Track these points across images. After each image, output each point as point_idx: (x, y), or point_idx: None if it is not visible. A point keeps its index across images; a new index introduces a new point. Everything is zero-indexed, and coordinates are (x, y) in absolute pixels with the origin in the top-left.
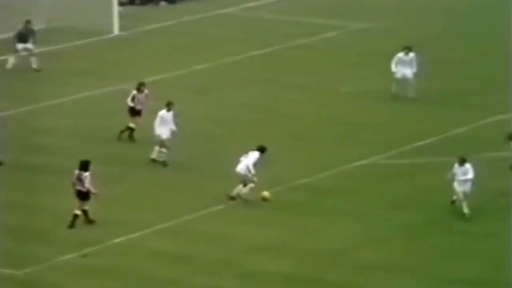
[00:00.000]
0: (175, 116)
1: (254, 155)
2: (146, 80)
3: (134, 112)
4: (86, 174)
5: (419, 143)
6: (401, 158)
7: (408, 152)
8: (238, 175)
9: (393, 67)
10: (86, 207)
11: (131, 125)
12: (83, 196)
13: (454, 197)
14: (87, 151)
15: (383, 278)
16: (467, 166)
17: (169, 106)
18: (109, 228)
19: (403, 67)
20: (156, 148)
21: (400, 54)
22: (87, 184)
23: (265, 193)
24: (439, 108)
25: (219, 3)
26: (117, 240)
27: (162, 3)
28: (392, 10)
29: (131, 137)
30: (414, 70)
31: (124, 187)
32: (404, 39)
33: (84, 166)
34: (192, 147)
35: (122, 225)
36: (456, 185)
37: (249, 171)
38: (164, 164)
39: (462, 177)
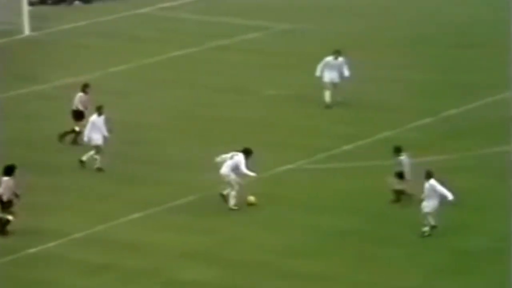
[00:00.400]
0: (106, 121)
1: (239, 158)
2: (60, 83)
3: (78, 115)
4: (5, 178)
5: (346, 147)
6: (328, 163)
7: (335, 156)
8: (222, 177)
9: (318, 72)
10: (8, 216)
11: (76, 128)
12: (3, 203)
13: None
14: (6, 155)
15: (311, 286)
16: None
17: (99, 110)
18: (24, 236)
19: (331, 71)
20: (90, 152)
21: (329, 58)
22: (1, 189)
23: (251, 198)
24: (367, 111)
25: (135, 3)
26: (32, 250)
27: (76, 2)
28: (317, 11)
29: (74, 142)
30: (346, 74)
31: (42, 194)
32: (329, 40)
33: (7, 171)
34: (111, 153)
35: (38, 234)
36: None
37: (246, 175)
38: (99, 169)
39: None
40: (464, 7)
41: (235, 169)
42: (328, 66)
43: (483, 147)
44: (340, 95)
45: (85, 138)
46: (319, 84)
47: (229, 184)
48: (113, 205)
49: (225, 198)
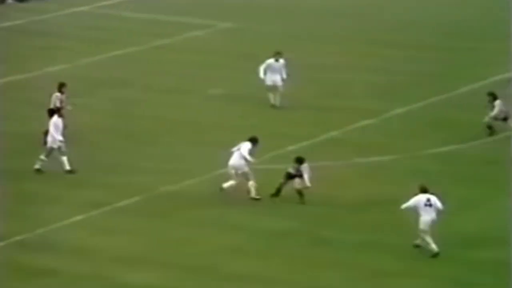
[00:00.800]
0: (64, 126)
1: (245, 146)
2: None
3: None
4: None
5: (291, 147)
6: (273, 163)
7: (279, 157)
8: (232, 167)
9: (261, 74)
10: None
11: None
12: None
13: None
14: None
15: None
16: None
17: (60, 112)
18: None
19: (273, 73)
20: (41, 156)
21: (270, 60)
22: None
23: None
24: (310, 112)
25: (73, 1)
26: None
27: (9, 1)
28: (260, 10)
29: (45, 143)
30: (284, 76)
31: None
32: (273, 40)
33: None
34: (51, 156)
35: None
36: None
37: (246, 160)
38: (37, 170)
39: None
40: (408, 6)
41: (244, 158)
42: (270, 68)
43: (423, 148)
44: (283, 96)
45: (50, 139)
46: (262, 84)
47: (244, 175)
48: (54, 208)
49: (223, 191)
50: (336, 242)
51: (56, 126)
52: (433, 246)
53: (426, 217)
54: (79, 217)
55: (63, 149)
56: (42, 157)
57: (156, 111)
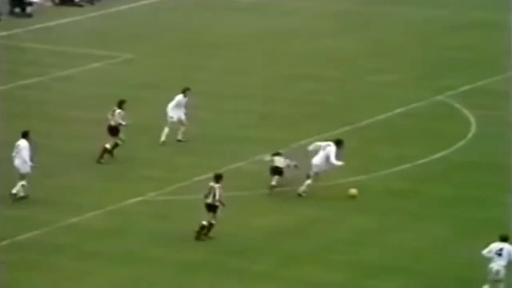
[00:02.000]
0: (32, 149)
1: (331, 149)
2: None
3: (112, 130)
4: None
5: (197, 178)
6: (179, 194)
7: (186, 188)
8: (314, 166)
9: (170, 112)
10: None
11: (107, 145)
12: None
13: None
14: None
15: None
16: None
17: (25, 136)
18: None
19: (179, 109)
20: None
21: (180, 97)
22: None
23: (353, 190)
24: (216, 143)
25: None
26: None
27: None
28: (160, 41)
29: (101, 158)
30: (185, 111)
31: None
32: (176, 71)
33: None
34: None
35: None
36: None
37: (332, 164)
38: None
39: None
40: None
41: (327, 159)
42: (178, 104)
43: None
44: (186, 130)
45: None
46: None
47: (315, 174)
48: None
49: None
50: (244, 271)
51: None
52: None
53: (492, 265)
54: None
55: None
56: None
57: (60, 143)
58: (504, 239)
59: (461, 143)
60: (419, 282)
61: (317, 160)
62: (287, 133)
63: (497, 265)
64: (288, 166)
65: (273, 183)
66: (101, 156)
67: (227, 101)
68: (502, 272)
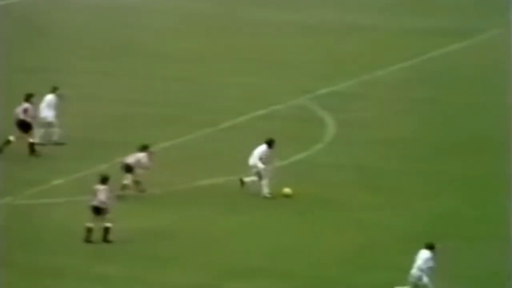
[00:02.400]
0: None
1: (260, 148)
2: None
3: (25, 126)
4: None
5: (56, 182)
6: (35, 198)
7: (44, 192)
8: (251, 167)
9: (45, 112)
10: None
11: (30, 140)
12: None
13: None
14: None
15: None
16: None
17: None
18: None
19: (49, 109)
20: None
21: (50, 96)
22: None
23: (287, 190)
24: (81, 146)
25: None
26: None
27: None
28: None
29: (33, 152)
30: (55, 112)
31: None
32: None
33: None
34: None
35: None
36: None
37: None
38: None
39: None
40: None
41: (260, 158)
42: (48, 104)
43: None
44: (58, 132)
45: None
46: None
47: (258, 174)
48: None
49: (243, 183)
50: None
51: None
52: None
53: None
54: None
55: None
56: None
57: None
58: (429, 247)
59: (319, 145)
60: (281, 283)
61: (251, 160)
62: (147, 136)
63: (417, 270)
64: (139, 161)
65: (126, 181)
66: None
67: (89, 103)
68: (421, 276)
